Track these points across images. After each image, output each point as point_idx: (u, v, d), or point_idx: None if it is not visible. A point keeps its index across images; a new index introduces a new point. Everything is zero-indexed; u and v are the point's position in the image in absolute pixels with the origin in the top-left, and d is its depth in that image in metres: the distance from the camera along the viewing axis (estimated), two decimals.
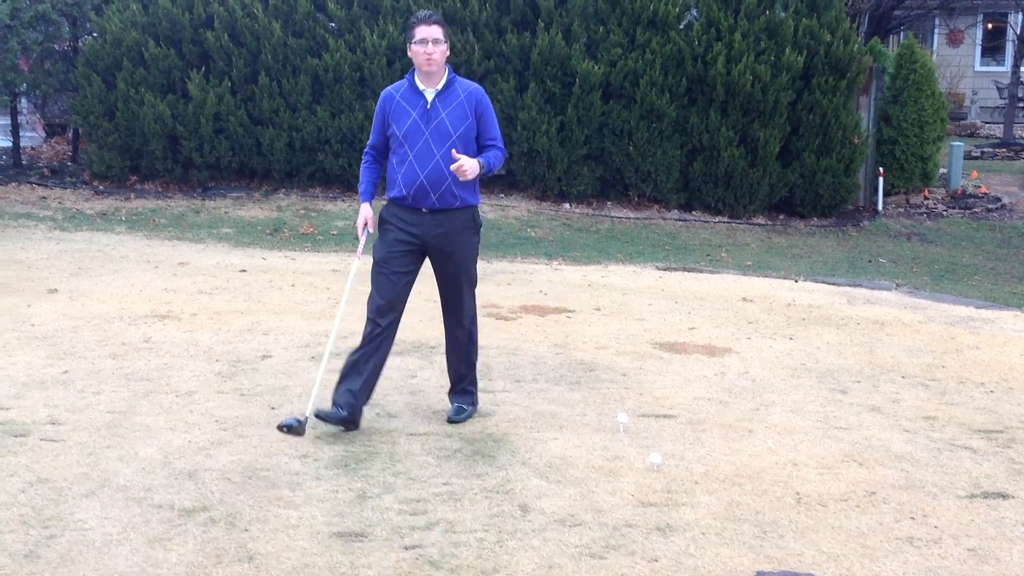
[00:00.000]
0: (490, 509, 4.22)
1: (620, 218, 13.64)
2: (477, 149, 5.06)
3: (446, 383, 6.04)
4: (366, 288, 5.17)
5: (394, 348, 6.64)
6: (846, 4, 15.26)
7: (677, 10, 13.62)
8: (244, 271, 9.54)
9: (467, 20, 13.49)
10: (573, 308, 8.32)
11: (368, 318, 5.07)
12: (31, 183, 13.99)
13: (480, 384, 6.02)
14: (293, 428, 4.71)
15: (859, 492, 4.56)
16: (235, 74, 13.59)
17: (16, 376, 5.88)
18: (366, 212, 5.14)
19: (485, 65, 13.59)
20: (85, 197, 13.44)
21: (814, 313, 8.56)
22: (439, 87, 4.97)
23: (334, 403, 4.96)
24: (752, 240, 13.05)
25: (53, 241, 10.87)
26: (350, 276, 5.30)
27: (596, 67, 13.31)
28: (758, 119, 13.52)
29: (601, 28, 13.68)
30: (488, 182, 14.31)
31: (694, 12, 14.14)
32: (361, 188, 5.19)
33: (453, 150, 4.88)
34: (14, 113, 15.40)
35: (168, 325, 7.23)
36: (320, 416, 4.91)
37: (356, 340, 5.23)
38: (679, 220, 13.75)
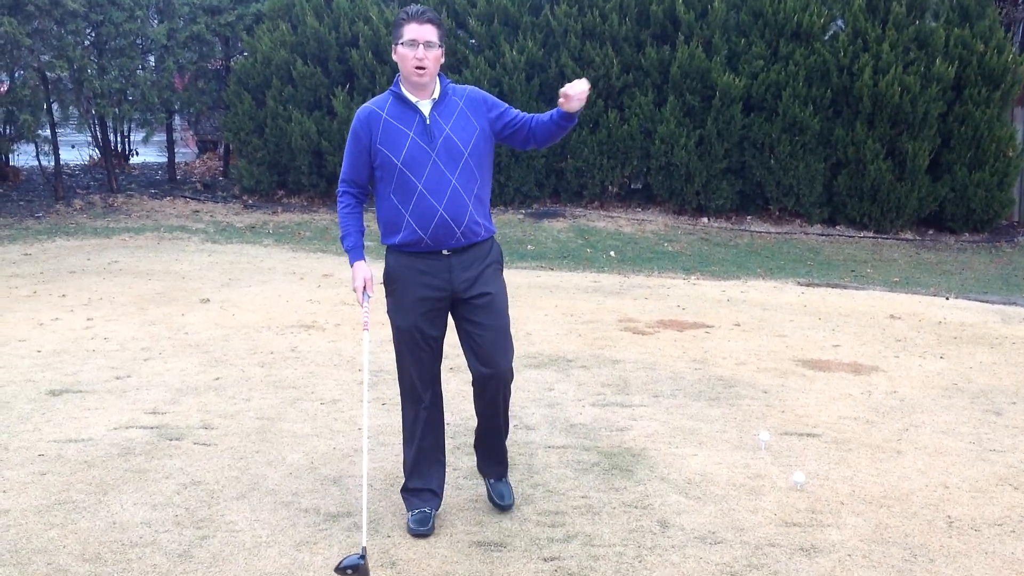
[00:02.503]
0: (629, 524, 4.19)
1: (760, 232, 13.41)
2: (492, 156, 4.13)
3: (584, 395, 6.05)
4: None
5: (532, 361, 6.73)
6: (1000, 13, 14.69)
7: (822, 21, 13.35)
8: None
9: (606, 34, 13.49)
10: (712, 323, 8.21)
11: (407, 403, 4.16)
12: (185, 197, 14.59)
13: (617, 398, 6.01)
14: (359, 568, 3.74)
15: (1014, 517, 4.36)
16: (378, 90, 13.87)
17: (171, 382, 6.14)
18: (363, 272, 4.06)
19: (624, 79, 13.57)
20: (235, 211, 13.93)
21: (966, 332, 8.24)
22: (435, 96, 4.00)
23: (415, 524, 4.07)
24: (899, 256, 12.65)
25: (205, 253, 11.29)
26: (364, 356, 4.15)
27: (737, 80, 13.14)
28: (907, 131, 13.13)
29: (743, 40, 13.51)
30: (625, 196, 14.27)
31: (840, 23, 13.83)
32: (348, 242, 4.10)
33: (568, 90, 3.84)
34: (169, 130, 16.12)
35: (313, 335, 7.43)
36: (414, 534, 4.03)
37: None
38: (822, 235, 13.44)
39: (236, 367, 6.51)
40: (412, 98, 3.98)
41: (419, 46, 3.89)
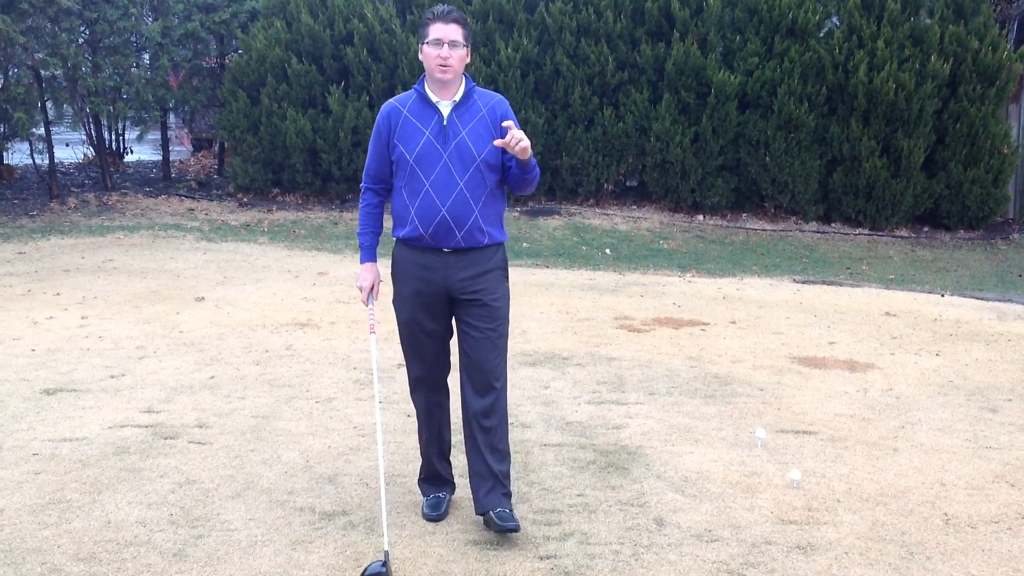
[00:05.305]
0: (625, 522, 4.19)
1: (755, 230, 13.40)
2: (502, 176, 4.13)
3: (579, 393, 6.04)
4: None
5: (527, 359, 6.72)
6: (994, 10, 14.70)
7: (817, 18, 13.33)
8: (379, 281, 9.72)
9: (601, 32, 13.48)
10: (707, 321, 8.20)
11: (413, 395, 4.33)
12: (179, 195, 14.55)
13: (613, 396, 6.00)
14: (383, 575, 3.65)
15: (1011, 514, 4.36)
16: (373, 88, 13.87)
17: (166, 381, 6.12)
18: (370, 275, 4.21)
19: (619, 76, 13.55)
20: (230, 209, 13.90)
21: (962, 329, 8.25)
22: (456, 99, 4.04)
23: (429, 510, 4.27)
24: (895, 253, 12.66)
25: (200, 251, 11.26)
26: (373, 360, 4.29)
27: (732, 77, 13.12)
28: (902, 128, 13.12)
29: (738, 37, 13.49)
30: (620, 193, 14.26)
31: (835, 20, 13.82)
32: (362, 240, 4.24)
33: (507, 123, 3.92)
34: (164, 128, 16.08)
35: (308, 333, 7.42)
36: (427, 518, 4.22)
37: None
38: (817, 232, 13.43)
39: (231, 365, 6.49)
40: (433, 97, 4.04)
41: (444, 45, 3.97)
